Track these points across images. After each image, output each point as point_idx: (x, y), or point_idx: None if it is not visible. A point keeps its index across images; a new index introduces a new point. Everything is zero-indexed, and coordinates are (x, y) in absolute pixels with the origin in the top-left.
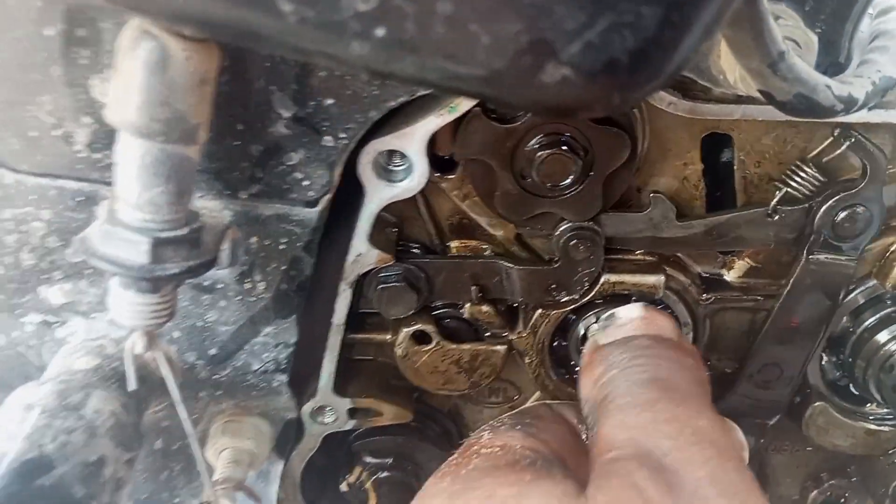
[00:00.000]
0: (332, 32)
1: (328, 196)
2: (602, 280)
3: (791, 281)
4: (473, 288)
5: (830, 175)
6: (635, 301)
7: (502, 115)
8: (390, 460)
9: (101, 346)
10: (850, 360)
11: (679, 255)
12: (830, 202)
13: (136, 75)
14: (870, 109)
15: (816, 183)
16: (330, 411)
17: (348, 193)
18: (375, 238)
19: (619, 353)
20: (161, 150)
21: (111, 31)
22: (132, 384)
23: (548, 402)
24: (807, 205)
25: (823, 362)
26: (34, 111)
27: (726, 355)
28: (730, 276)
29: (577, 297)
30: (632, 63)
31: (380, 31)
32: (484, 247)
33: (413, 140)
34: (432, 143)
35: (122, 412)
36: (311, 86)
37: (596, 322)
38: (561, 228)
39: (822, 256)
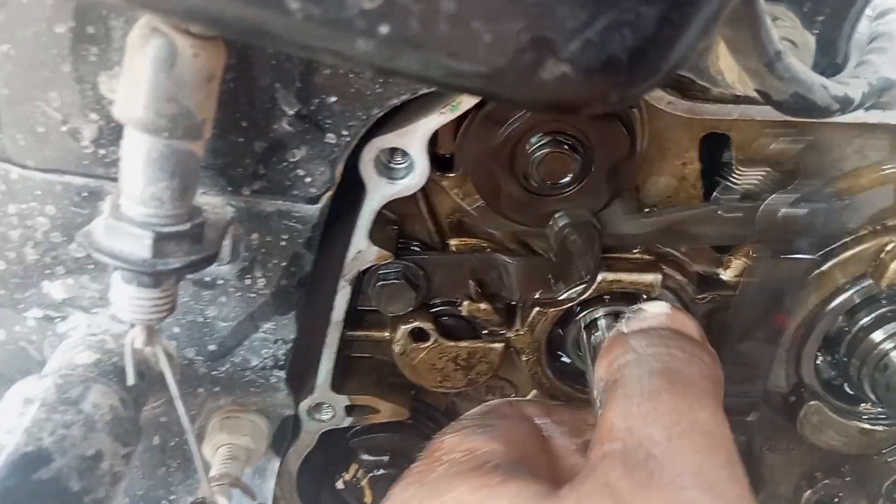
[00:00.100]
0: (338, 30)
1: (330, 193)
2: (599, 278)
3: (742, 280)
4: (472, 283)
5: (776, 173)
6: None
7: (499, 119)
8: (387, 458)
9: (101, 340)
10: (845, 359)
11: (676, 253)
12: (776, 199)
13: (145, 72)
14: (867, 110)
15: (762, 180)
16: (327, 408)
17: (349, 191)
18: (376, 235)
19: (640, 340)
20: (166, 145)
21: (120, 29)
22: (131, 379)
23: (512, 399)
24: (757, 201)
25: (818, 361)
26: (42, 107)
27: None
28: (726, 274)
29: (574, 295)
30: (630, 61)
31: (384, 29)
32: (484, 245)
33: (415, 138)
34: (433, 142)
35: (121, 407)
36: (315, 83)
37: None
38: (558, 221)
39: (771, 253)
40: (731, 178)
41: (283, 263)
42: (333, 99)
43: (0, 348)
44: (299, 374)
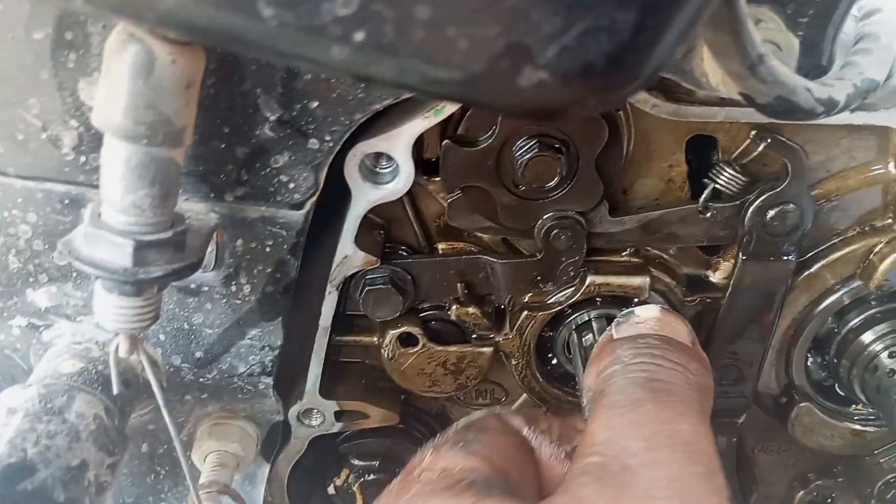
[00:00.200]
0: (312, 36)
1: (314, 198)
2: (588, 282)
3: (731, 282)
4: (460, 285)
5: (757, 174)
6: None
7: (472, 138)
8: (377, 462)
9: (86, 349)
10: (835, 360)
11: (664, 256)
12: (758, 201)
13: (122, 78)
14: (852, 111)
15: (740, 182)
16: (317, 414)
17: (335, 196)
18: (362, 240)
19: (627, 349)
20: (146, 153)
21: (99, 35)
22: (116, 388)
23: (497, 411)
24: (737, 203)
25: (809, 363)
26: (22, 114)
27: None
28: (715, 277)
29: (562, 299)
30: (607, 66)
31: (359, 36)
32: (471, 248)
33: (399, 142)
34: (419, 146)
35: (106, 416)
36: (297, 89)
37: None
38: (544, 221)
39: (757, 255)
40: (718, 180)
41: (269, 269)
42: (315, 104)
43: None
44: (288, 379)
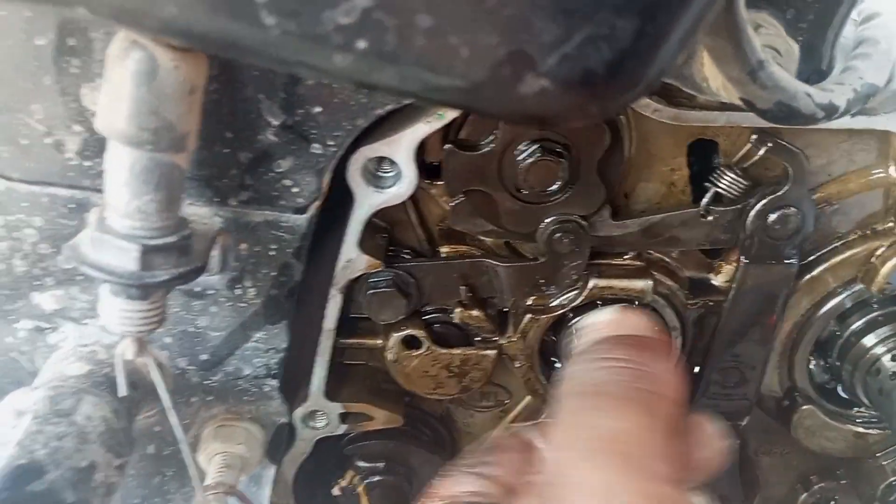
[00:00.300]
0: (315, 45)
1: (317, 203)
2: (591, 285)
3: (734, 285)
4: (463, 288)
5: (758, 178)
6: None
7: (474, 142)
8: (382, 464)
9: (92, 351)
10: (838, 363)
11: (667, 259)
12: (759, 205)
13: (126, 84)
14: (853, 116)
15: (742, 186)
16: (321, 416)
17: (338, 200)
18: (365, 244)
19: (577, 364)
20: (150, 158)
21: (102, 41)
22: (122, 390)
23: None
24: (739, 206)
25: (811, 366)
26: (25, 119)
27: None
28: (717, 280)
29: (565, 301)
30: (608, 74)
31: (361, 44)
32: (474, 251)
33: (401, 147)
34: (421, 150)
35: (113, 418)
36: (300, 94)
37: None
38: (546, 225)
39: (759, 259)
40: (719, 184)
41: (273, 273)
42: (318, 109)
43: None
44: (293, 382)
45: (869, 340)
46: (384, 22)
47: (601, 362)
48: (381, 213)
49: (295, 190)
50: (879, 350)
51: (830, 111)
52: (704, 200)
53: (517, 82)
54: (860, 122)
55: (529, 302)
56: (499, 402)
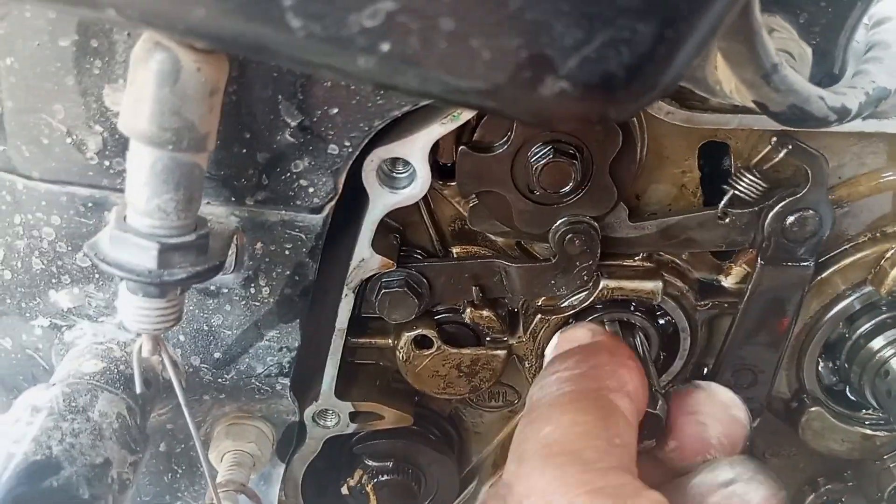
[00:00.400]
0: (339, 47)
1: (332, 203)
2: (601, 286)
3: (749, 286)
4: (474, 288)
5: (775, 180)
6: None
7: (487, 144)
8: (391, 463)
9: (108, 349)
10: (846, 365)
11: (677, 260)
12: (778, 207)
13: (148, 85)
14: (864, 119)
15: (760, 188)
16: (332, 415)
17: (352, 200)
18: (378, 244)
19: (529, 392)
20: (171, 158)
21: (124, 43)
22: (139, 387)
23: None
24: (756, 208)
25: (820, 367)
26: (47, 119)
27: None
28: (727, 282)
29: (575, 302)
30: (627, 77)
31: (385, 46)
32: (485, 251)
33: (416, 148)
34: (435, 151)
35: (128, 415)
36: (317, 95)
37: (607, 325)
38: (558, 226)
39: (775, 261)
40: (737, 186)
41: (287, 272)
42: (335, 110)
43: (7, 357)
44: (304, 380)
45: (877, 343)
46: (408, 25)
47: (539, 382)
48: (394, 214)
49: (311, 190)
50: (888, 352)
51: (843, 114)
52: (722, 203)
53: (537, 85)
54: (871, 125)
55: (540, 302)
56: (507, 402)
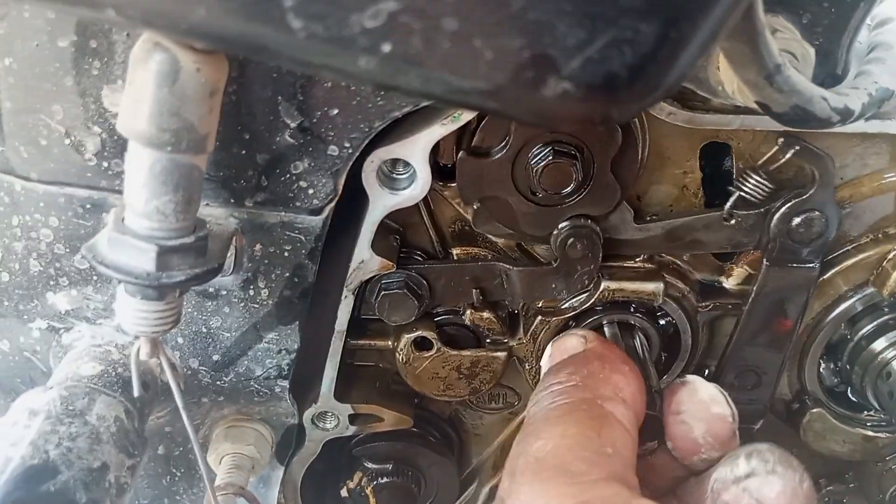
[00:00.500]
0: (341, 47)
1: (332, 204)
2: (602, 287)
3: (755, 287)
4: (475, 290)
5: (780, 182)
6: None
7: (487, 149)
8: (390, 466)
9: (106, 352)
10: (848, 367)
11: (678, 262)
12: (784, 208)
13: (148, 86)
14: (867, 120)
15: (766, 189)
16: (331, 417)
17: (351, 201)
18: (378, 245)
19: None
20: (170, 159)
21: (123, 43)
22: (137, 391)
23: None
24: (762, 210)
25: (821, 369)
26: (45, 120)
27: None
28: (728, 283)
29: (576, 304)
30: (630, 77)
31: (386, 47)
32: (485, 253)
33: (416, 149)
34: (435, 152)
35: (126, 418)
36: (317, 96)
37: (607, 327)
38: (558, 229)
39: (780, 262)
40: (743, 187)
41: (287, 274)
42: (335, 111)
43: (5, 359)
44: (303, 383)
45: (879, 344)
46: (410, 25)
47: (534, 397)
48: (394, 215)
49: (310, 191)
50: (890, 354)
51: (846, 115)
52: (728, 204)
53: (540, 85)
54: (874, 126)
55: (540, 304)
56: (508, 404)
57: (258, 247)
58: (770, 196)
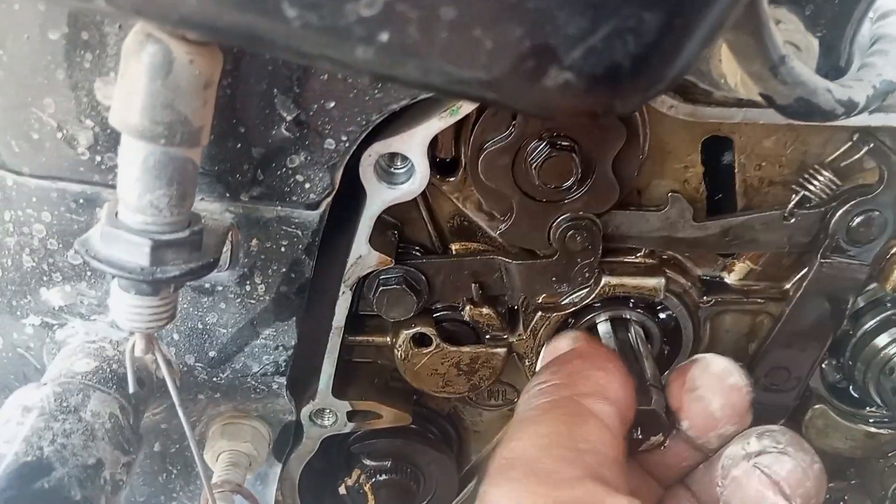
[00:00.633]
0: (336, 37)
1: (329, 199)
2: (603, 283)
3: (803, 284)
4: (474, 286)
5: (846, 179)
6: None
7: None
8: (389, 463)
9: (100, 348)
10: (850, 363)
11: (679, 257)
12: (847, 206)
13: (140, 78)
14: (870, 113)
15: (833, 187)
16: (329, 414)
17: (349, 196)
18: (376, 240)
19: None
20: (164, 152)
21: (115, 35)
22: (132, 387)
23: None
24: (822, 209)
25: (824, 365)
26: (37, 114)
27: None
28: (730, 278)
29: (576, 299)
30: (633, 68)
31: (383, 36)
32: (484, 248)
33: (414, 143)
34: (433, 146)
35: (121, 415)
36: (313, 89)
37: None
38: (557, 221)
39: (834, 261)
40: (809, 185)
41: (283, 269)
42: (332, 104)
43: None
44: (301, 379)
45: (882, 340)
46: (407, 14)
47: (521, 398)
48: (392, 210)
49: (307, 185)
50: (893, 350)
51: (850, 108)
52: (791, 203)
53: (541, 75)
54: (877, 119)
55: (540, 300)
56: (507, 401)
57: (254, 242)
58: (833, 195)
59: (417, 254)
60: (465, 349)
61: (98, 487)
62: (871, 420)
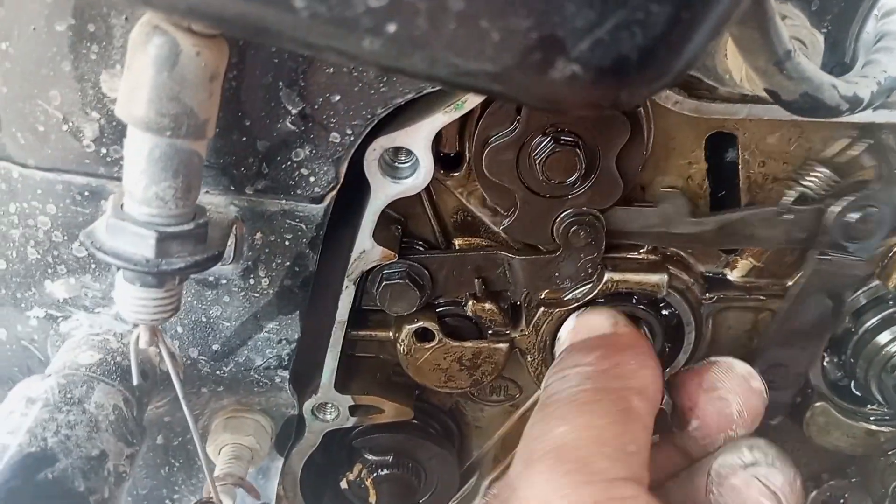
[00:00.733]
0: (344, 28)
1: (334, 192)
2: (605, 279)
3: (799, 281)
4: (477, 281)
5: (844, 175)
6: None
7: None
8: (391, 458)
9: (104, 340)
10: (852, 360)
11: (682, 253)
12: (844, 203)
13: (146, 70)
14: (875, 109)
15: (831, 183)
16: (331, 408)
17: (353, 190)
18: (380, 235)
19: (546, 378)
20: (169, 144)
21: (122, 27)
22: (136, 379)
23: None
24: (819, 205)
25: (825, 362)
26: (43, 106)
27: (729, 354)
28: (733, 275)
29: (579, 295)
30: (641, 60)
31: (391, 27)
32: (488, 243)
33: (419, 137)
34: (437, 141)
35: (125, 407)
36: (319, 82)
37: None
38: (560, 216)
39: (831, 257)
40: (805, 181)
41: (287, 263)
42: (337, 98)
43: (2, 348)
44: (303, 373)
45: (883, 338)
46: (416, 5)
47: (558, 373)
48: (396, 204)
49: (312, 179)
50: (894, 347)
51: (855, 104)
52: (790, 199)
53: (548, 68)
54: (882, 116)
55: (542, 295)
56: (509, 397)
57: (259, 235)
58: (831, 191)
59: (421, 248)
60: (468, 344)
61: (101, 479)
62: (872, 418)
